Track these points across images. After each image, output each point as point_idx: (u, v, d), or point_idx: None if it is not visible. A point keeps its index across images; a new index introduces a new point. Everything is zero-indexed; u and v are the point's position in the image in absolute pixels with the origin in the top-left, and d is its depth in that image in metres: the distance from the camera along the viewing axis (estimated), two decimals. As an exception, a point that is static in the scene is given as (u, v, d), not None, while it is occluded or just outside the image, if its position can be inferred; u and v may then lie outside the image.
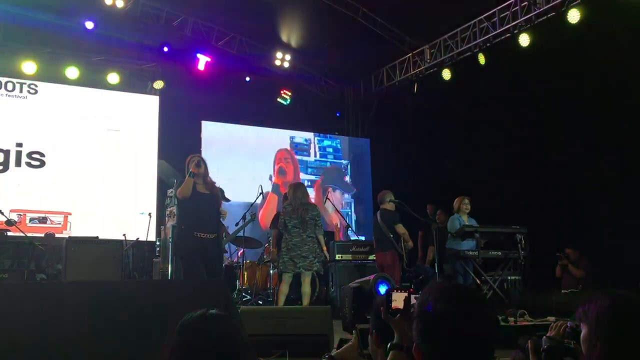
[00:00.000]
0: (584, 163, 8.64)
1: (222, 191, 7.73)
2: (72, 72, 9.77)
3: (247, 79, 11.06)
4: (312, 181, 11.59)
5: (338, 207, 11.00)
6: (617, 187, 8.14)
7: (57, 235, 8.22)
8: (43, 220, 9.05)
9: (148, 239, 8.77)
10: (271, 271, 8.20)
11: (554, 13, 8.35)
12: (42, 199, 9.16)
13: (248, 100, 10.76)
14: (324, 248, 6.85)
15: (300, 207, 6.76)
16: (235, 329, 1.87)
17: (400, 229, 7.34)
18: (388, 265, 7.20)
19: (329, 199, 10.26)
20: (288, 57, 11.17)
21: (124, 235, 8.19)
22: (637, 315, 1.87)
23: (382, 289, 5.20)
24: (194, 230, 5.67)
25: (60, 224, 9.09)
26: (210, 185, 5.95)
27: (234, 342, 1.81)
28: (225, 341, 1.79)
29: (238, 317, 3.90)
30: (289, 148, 11.57)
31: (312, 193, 11.10)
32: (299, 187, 7.12)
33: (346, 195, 11.91)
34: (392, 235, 7.27)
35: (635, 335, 1.80)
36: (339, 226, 10.62)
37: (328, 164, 11.88)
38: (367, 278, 5.84)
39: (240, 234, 8.07)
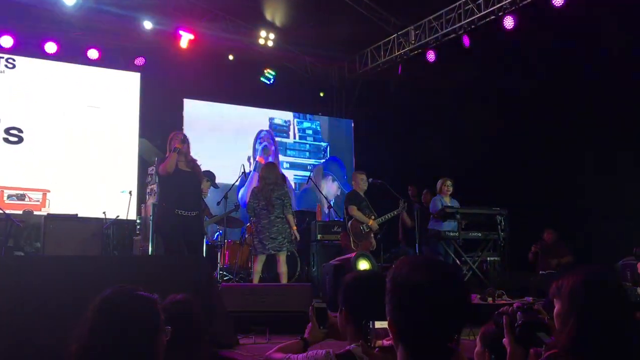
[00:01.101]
0: (565, 145, 8.74)
1: (212, 176, 7.69)
2: (51, 46, 9.58)
3: (231, 57, 10.93)
4: (290, 163, 11.55)
5: (328, 195, 11.02)
6: (597, 170, 8.24)
7: (35, 213, 8.11)
8: (21, 197, 8.91)
9: (128, 217, 8.71)
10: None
11: (539, -4, 8.35)
12: (20, 175, 9.02)
13: (231, 79, 10.65)
14: (294, 228, 6.76)
15: (266, 187, 6.72)
16: (152, 308, 1.87)
17: (352, 210, 7.29)
18: (344, 245, 7.26)
19: (311, 179, 10.26)
20: (272, 36, 11.06)
21: (104, 213, 8.12)
22: (610, 289, 1.89)
23: (363, 266, 5.22)
24: (175, 207, 5.65)
25: (38, 201, 8.96)
26: (192, 162, 5.94)
27: (149, 321, 1.83)
28: (139, 318, 1.81)
29: (219, 293, 3.89)
30: (269, 129, 11.50)
31: (290, 174, 11.10)
32: (267, 167, 7.07)
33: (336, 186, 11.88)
34: (348, 216, 7.29)
35: (607, 309, 1.81)
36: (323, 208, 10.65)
37: (307, 145, 11.84)
38: (348, 256, 5.87)
39: (219, 213, 8.05)
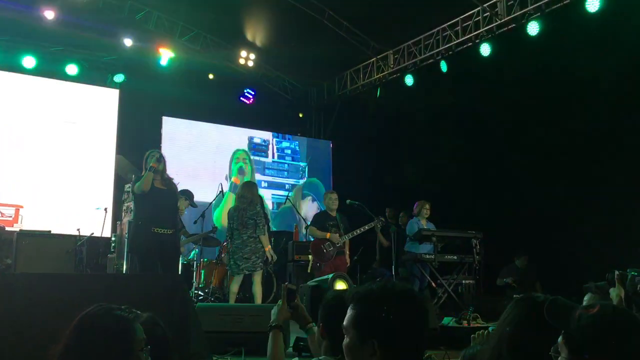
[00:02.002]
0: (540, 170, 8.90)
1: (190, 195, 7.64)
2: (29, 61, 9.50)
3: (211, 76, 10.96)
4: (268, 182, 11.55)
5: (307, 216, 11.00)
6: (570, 193, 8.40)
7: (7, 229, 7.97)
8: (-7, 212, 8.76)
9: (103, 235, 8.60)
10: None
11: (514, 25, 8.57)
12: (-8, 190, 8.88)
13: (211, 97, 10.65)
14: (267, 248, 6.68)
15: (240, 206, 6.69)
16: (133, 327, 1.84)
17: (310, 231, 7.44)
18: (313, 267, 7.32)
19: (289, 199, 10.27)
20: (252, 56, 11.12)
21: (78, 230, 8.01)
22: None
23: (340, 287, 5.23)
24: (151, 225, 5.62)
25: (11, 216, 8.81)
26: (168, 181, 5.93)
27: (130, 341, 1.79)
28: (119, 339, 1.77)
29: (195, 313, 3.86)
30: (246, 149, 11.50)
31: (267, 194, 11.09)
32: (244, 186, 7.05)
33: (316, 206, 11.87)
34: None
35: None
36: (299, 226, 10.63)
37: (286, 165, 11.86)
38: (325, 277, 5.87)
39: (199, 232, 7.99)
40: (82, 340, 1.74)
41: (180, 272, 7.33)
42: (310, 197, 11.93)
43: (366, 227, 7.55)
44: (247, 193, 6.74)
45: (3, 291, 3.55)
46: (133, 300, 3.26)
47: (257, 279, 6.61)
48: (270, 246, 6.78)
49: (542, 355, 1.57)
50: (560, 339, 1.52)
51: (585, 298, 4.15)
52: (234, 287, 6.59)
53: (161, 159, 5.78)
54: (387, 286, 1.73)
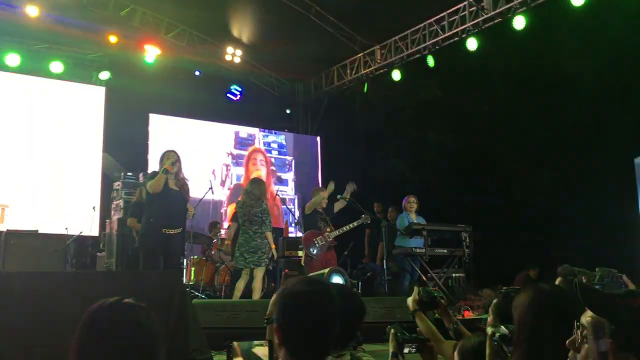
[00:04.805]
0: (527, 163, 9.00)
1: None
2: (13, 58, 9.37)
3: (197, 73, 10.90)
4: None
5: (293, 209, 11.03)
6: (558, 187, 8.51)
7: (-7, 229, 7.87)
8: (-22, 212, 8.63)
9: (91, 234, 8.54)
10: (218, 266, 8.16)
11: (500, 19, 8.64)
12: (-23, 190, 8.75)
13: (198, 94, 10.59)
14: (273, 246, 6.80)
15: (248, 202, 6.76)
16: (150, 319, 1.70)
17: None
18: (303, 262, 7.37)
19: (277, 196, 10.26)
20: (239, 52, 11.08)
21: (66, 229, 7.94)
22: (558, 308, 1.80)
23: (336, 280, 5.25)
24: (161, 226, 5.74)
25: (-4, 216, 8.69)
26: (181, 182, 5.98)
27: (149, 333, 1.66)
28: (139, 332, 1.65)
29: (193, 309, 3.86)
30: (262, 148, 11.51)
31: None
32: (252, 183, 7.09)
33: (291, 192, 11.90)
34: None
35: (557, 330, 1.71)
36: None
37: (273, 159, 11.85)
38: (322, 271, 5.89)
39: (189, 228, 7.96)
40: (96, 334, 1.68)
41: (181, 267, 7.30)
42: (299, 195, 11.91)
43: (355, 224, 7.58)
44: (255, 190, 6.81)
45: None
46: (131, 297, 3.25)
47: (259, 274, 6.67)
48: (274, 244, 6.85)
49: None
50: (584, 327, 1.47)
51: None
52: (241, 284, 6.59)
53: (176, 163, 5.83)
54: (299, 285, 1.87)
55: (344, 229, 7.48)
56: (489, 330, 2.11)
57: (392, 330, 2.49)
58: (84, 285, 3.46)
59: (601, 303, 1.47)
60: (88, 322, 1.67)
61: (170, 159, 5.81)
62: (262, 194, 6.87)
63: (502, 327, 2.09)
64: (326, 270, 5.63)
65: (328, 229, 7.34)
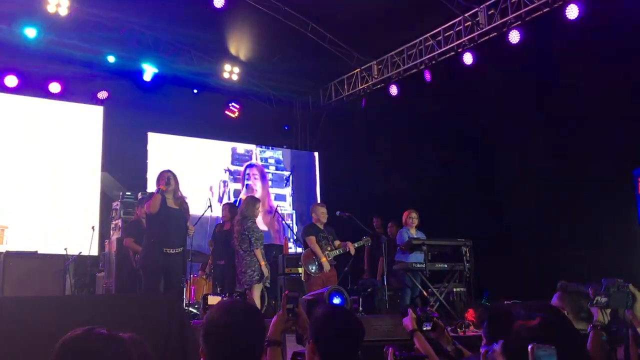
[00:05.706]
0: (525, 177, 8.99)
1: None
2: (11, 80, 9.41)
3: (195, 91, 10.95)
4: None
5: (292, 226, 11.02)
6: (557, 200, 8.50)
7: (-7, 250, 7.84)
8: (-23, 234, 8.61)
9: (91, 253, 8.51)
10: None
11: (495, 33, 8.69)
12: (-24, 211, 8.74)
13: (196, 112, 10.63)
14: (262, 263, 6.68)
15: (237, 221, 6.78)
16: (123, 349, 1.70)
17: (310, 241, 7.23)
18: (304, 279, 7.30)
19: (276, 212, 10.25)
20: (237, 70, 11.13)
21: (65, 249, 7.93)
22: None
23: (336, 301, 5.22)
24: (162, 246, 5.74)
25: (-4, 238, 8.66)
26: (180, 200, 5.99)
27: None
28: None
29: (192, 332, 3.83)
30: (258, 163, 11.52)
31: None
32: (245, 202, 7.10)
33: (289, 208, 11.90)
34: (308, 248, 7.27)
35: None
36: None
37: (270, 174, 11.86)
38: (322, 290, 5.84)
39: (188, 247, 7.94)
40: None
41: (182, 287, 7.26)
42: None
43: (356, 245, 7.52)
44: (247, 209, 6.84)
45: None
46: (128, 323, 3.23)
47: (256, 293, 6.64)
48: (264, 262, 6.76)
49: None
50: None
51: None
52: (256, 302, 6.55)
53: (170, 181, 5.86)
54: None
55: (337, 252, 7.34)
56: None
57: (391, 350, 2.53)
58: (79, 311, 3.44)
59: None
60: (58, 352, 1.66)
61: (164, 178, 5.85)
62: (250, 212, 6.84)
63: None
64: (326, 292, 5.59)
65: (329, 248, 7.29)
